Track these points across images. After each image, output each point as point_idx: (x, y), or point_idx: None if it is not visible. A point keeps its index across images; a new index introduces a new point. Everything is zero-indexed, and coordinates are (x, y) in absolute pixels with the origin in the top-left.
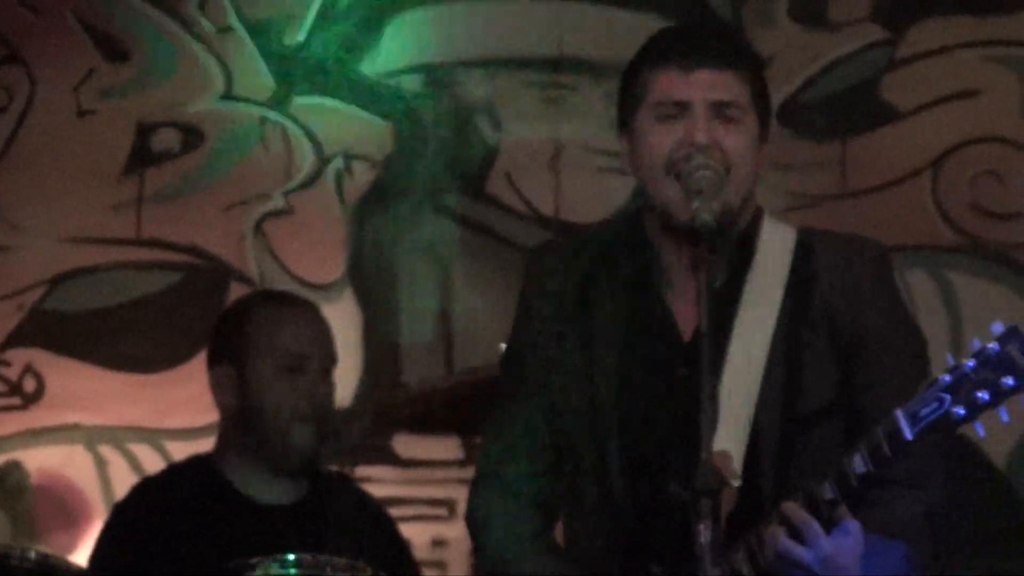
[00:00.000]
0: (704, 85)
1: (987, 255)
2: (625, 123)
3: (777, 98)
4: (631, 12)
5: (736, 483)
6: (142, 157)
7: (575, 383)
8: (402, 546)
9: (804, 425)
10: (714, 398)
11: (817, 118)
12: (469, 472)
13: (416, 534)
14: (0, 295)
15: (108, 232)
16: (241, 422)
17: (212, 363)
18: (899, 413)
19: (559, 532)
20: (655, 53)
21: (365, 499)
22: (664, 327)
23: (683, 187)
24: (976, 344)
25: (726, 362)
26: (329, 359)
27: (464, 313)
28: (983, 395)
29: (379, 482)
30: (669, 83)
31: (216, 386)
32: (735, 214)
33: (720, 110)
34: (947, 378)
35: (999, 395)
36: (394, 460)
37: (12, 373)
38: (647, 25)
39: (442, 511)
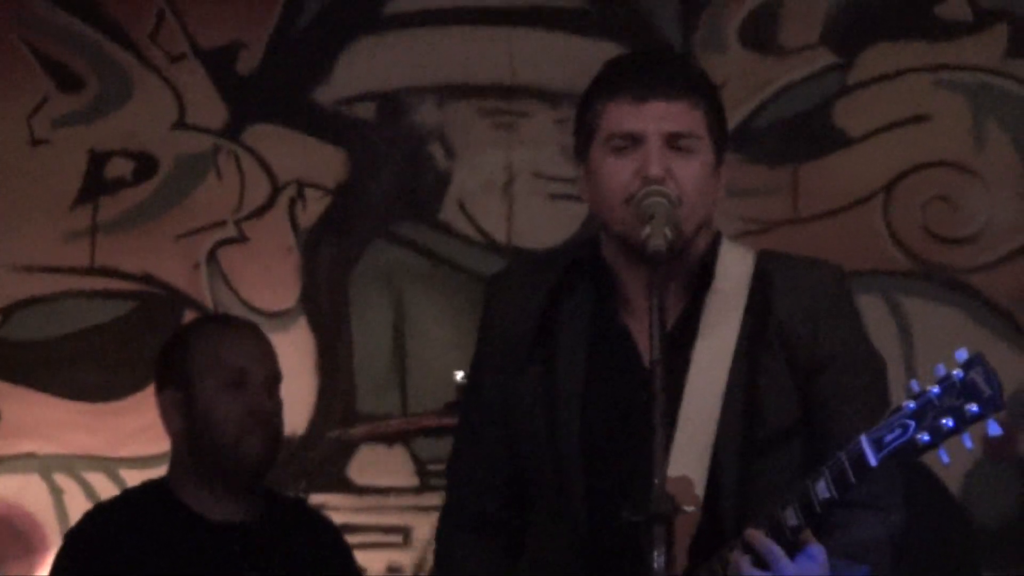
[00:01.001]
0: (657, 116)
1: (939, 279)
2: (580, 153)
3: (728, 124)
4: (583, 39)
5: (690, 509)
6: (95, 186)
7: (537, 410)
8: (355, 570)
9: (764, 449)
10: (668, 423)
11: (769, 143)
12: (424, 499)
13: (371, 561)
14: None
15: (62, 261)
16: (191, 442)
17: (159, 389)
18: (863, 439)
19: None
20: (608, 83)
21: (320, 521)
22: (624, 352)
23: (635, 214)
24: (940, 370)
25: (686, 387)
26: (272, 375)
27: (418, 340)
28: (948, 422)
29: (334, 509)
30: (621, 115)
31: (164, 412)
32: (689, 241)
33: (674, 141)
34: (911, 404)
35: (963, 422)
36: (349, 487)
37: None
38: (599, 52)
39: (397, 538)
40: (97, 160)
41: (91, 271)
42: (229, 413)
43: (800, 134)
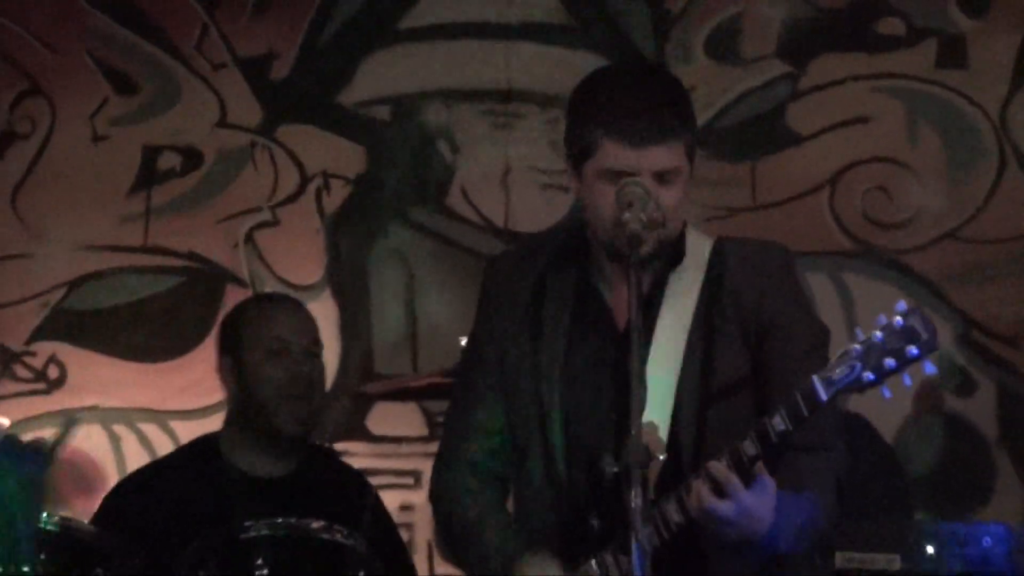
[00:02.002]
0: (651, 159)
1: (877, 259)
2: (574, 164)
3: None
4: (571, 50)
5: (662, 456)
6: (148, 176)
7: (525, 372)
8: (382, 509)
9: (717, 397)
10: (642, 382)
11: (730, 141)
12: (433, 447)
13: (386, 501)
14: (27, 296)
15: (119, 241)
16: (241, 404)
17: (219, 356)
18: (815, 377)
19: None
20: (610, 119)
21: (349, 471)
22: (602, 320)
23: (616, 201)
24: (882, 319)
25: (652, 345)
26: (313, 343)
27: (427, 310)
28: (890, 362)
29: (354, 455)
30: (619, 155)
31: (222, 376)
32: (668, 244)
33: (662, 176)
34: (858, 348)
35: (904, 362)
36: (367, 436)
37: (38, 363)
38: (584, 61)
39: (409, 480)
40: (149, 154)
41: (144, 250)
42: (271, 380)
43: (757, 133)
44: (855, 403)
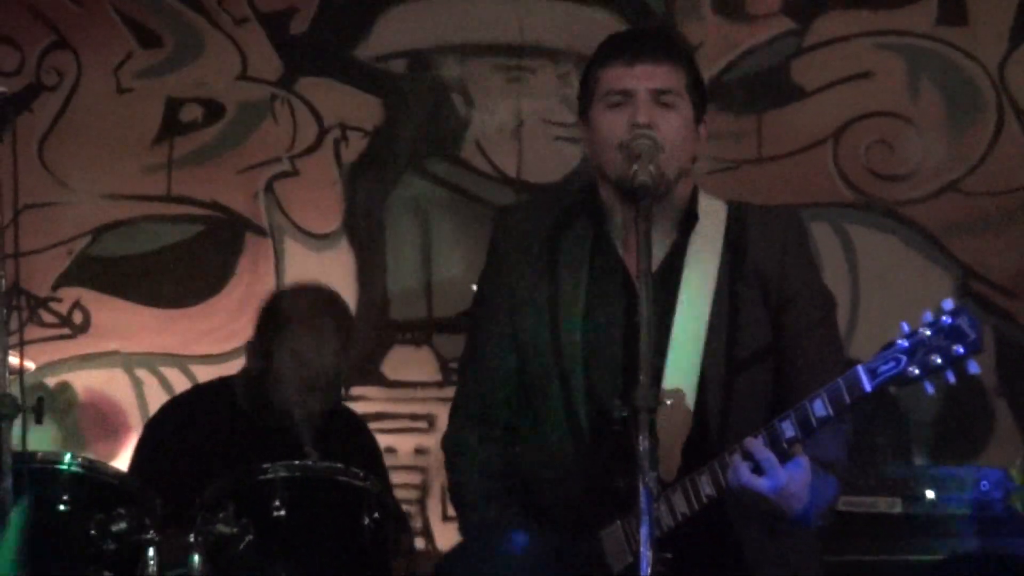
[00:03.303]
0: (644, 76)
1: (879, 210)
2: (583, 114)
3: (704, 79)
4: (582, 5)
5: (669, 403)
6: (171, 127)
7: (543, 320)
8: (376, 450)
9: (742, 366)
10: (651, 327)
11: (737, 95)
12: (446, 392)
13: (401, 443)
14: (52, 243)
15: (142, 190)
16: (262, 385)
17: (254, 330)
18: (860, 368)
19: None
20: (604, 54)
21: (354, 419)
22: (617, 273)
23: (626, 156)
24: (928, 316)
25: (676, 314)
26: (336, 348)
27: (442, 259)
28: (936, 359)
29: (370, 400)
30: (615, 76)
31: (249, 347)
32: (670, 183)
33: (658, 96)
34: (904, 343)
35: (950, 360)
36: (382, 381)
37: (63, 308)
38: (596, 17)
39: (423, 424)
40: (172, 106)
41: (167, 199)
42: (291, 380)
43: (763, 88)
44: (855, 351)
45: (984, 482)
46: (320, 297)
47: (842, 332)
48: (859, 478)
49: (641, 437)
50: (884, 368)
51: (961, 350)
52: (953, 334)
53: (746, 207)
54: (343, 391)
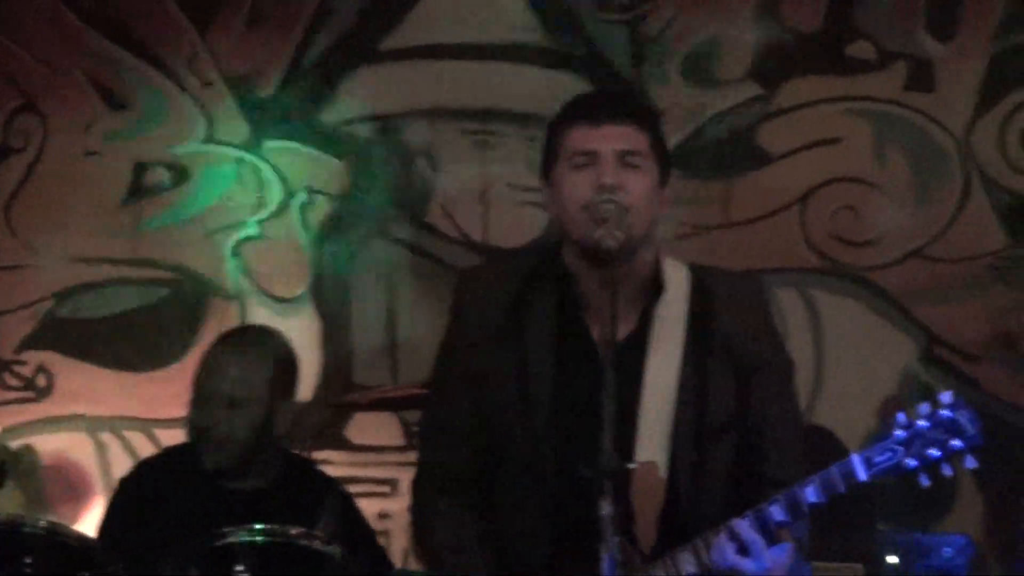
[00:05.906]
0: (610, 137)
1: (845, 276)
2: (546, 174)
3: (670, 144)
4: (548, 71)
5: (633, 466)
6: (138, 190)
7: (509, 386)
8: (358, 516)
9: (711, 436)
10: (613, 396)
11: (704, 160)
12: (410, 456)
13: (364, 507)
14: (17, 305)
15: (109, 253)
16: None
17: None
18: (855, 457)
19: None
20: (569, 114)
21: (326, 481)
22: (584, 343)
23: (591, 218)
24: (926, 408)
25: (644, 387)
26: (240, 395)
27: (407, 323)
28: (933, 452)
29: (334, 464)
30: (580, 136)
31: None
32: (636, 244)
33: (624, 158)
34: (902, 433)
35: (947, 454)
36: (346, 445)
37: (27, 371)
38: (562, 82)
39: (386, 488)
40: (140, 169)
41: (133, 262)
42: (193, 424)
43: (730, 153)
44: (819, 415)
45: (947, 548)
46: (250, 329)
47: (806, 397)
48: (813, 525)
49: (603, 502)
50: (880, 459)
51: (959, 444)
52: (952, 427)
53: (708, 272)
54: (288, 437)
